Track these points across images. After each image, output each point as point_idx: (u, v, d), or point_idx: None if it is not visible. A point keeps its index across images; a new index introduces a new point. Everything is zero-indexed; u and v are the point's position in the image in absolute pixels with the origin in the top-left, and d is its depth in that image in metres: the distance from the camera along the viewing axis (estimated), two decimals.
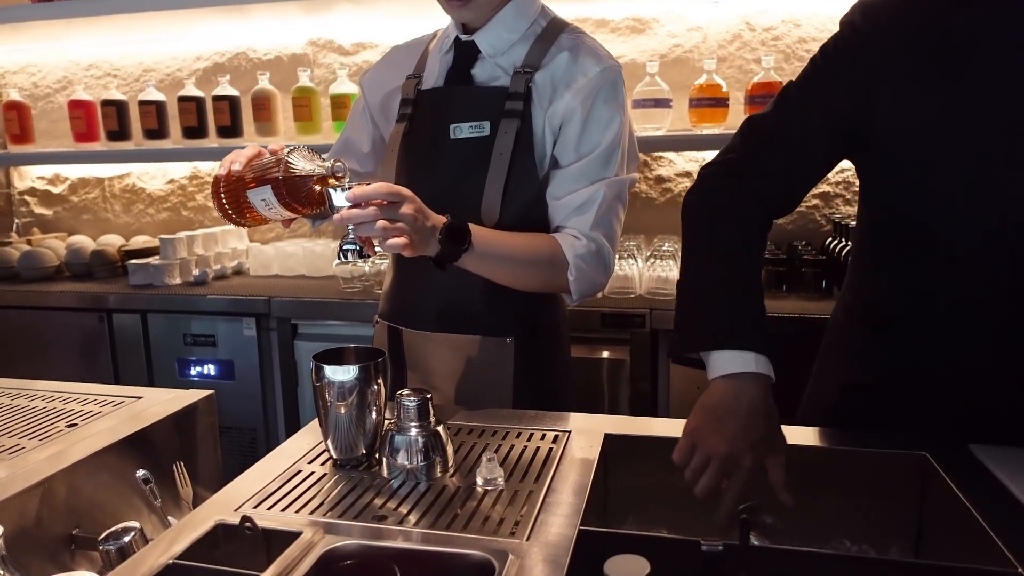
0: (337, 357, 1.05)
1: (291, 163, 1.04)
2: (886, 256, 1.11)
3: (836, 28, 1.09)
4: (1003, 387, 1.04)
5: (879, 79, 1.01)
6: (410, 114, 1.38)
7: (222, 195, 1.14)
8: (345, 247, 1.05)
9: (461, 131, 1.31)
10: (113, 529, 0.94)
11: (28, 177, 3.27)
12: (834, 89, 1.05)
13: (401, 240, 1.05)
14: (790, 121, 1.08)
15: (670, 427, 1.14)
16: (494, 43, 1.32)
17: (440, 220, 1.13)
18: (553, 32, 1.35)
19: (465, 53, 1.34)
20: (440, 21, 1.42)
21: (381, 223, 1.03)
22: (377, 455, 1.03)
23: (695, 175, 1.18)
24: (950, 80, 0.97)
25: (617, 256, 2.22)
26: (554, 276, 1.27)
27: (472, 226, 1.17)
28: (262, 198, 1.08)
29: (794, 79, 1.11)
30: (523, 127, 1.27)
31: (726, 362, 0.98)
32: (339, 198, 1.02)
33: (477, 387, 1.34)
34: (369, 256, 1.07)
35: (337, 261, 1.07)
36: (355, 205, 1.02)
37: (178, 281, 2.56)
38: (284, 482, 0.99)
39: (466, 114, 1.31)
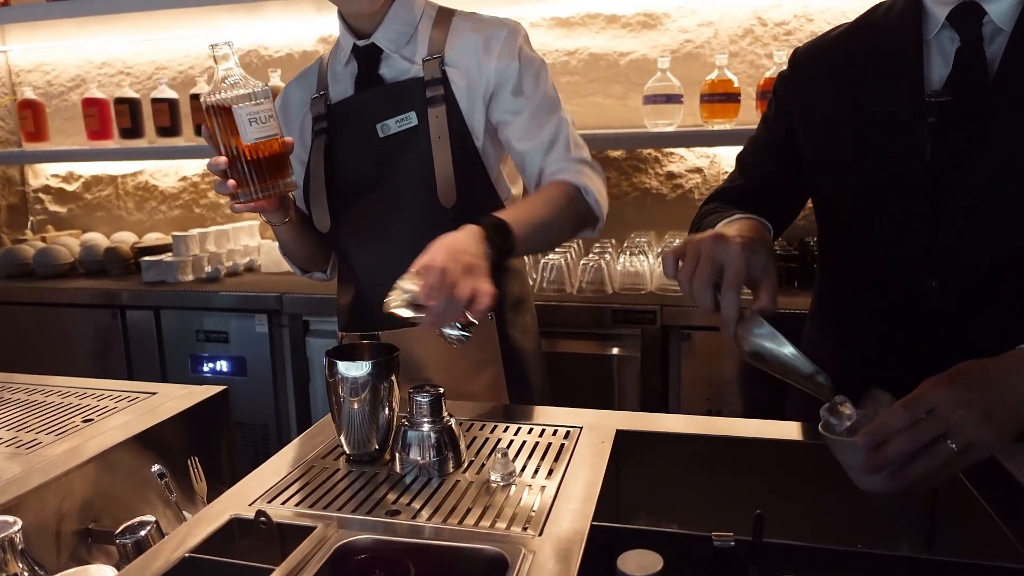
0: (350, 353, 1.06)
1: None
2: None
3: (847, 22, 1.21)
4: None
5: (795, 116, 1.21)
6: (327, 128, 1.41)
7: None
8: (451, 335, 1.03)
9: (388, 128, 1.34)
10: (130, 523, 0.95)
11: (42, 175, 3.30)
12: (774, 129, 1.26)
13: (467, 293, 1.00)
14: (750, 164, 1.30)
15: (681, 423, 1.15)
16: (392, 38, 1.36)
17: (466, 246, 1.07)
18: (445, 18, 1.40)
19: (367, 56, 1.38)
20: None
21: (439, 314, 1.00)
22: (390, 450, 1.04)
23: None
24: (848, 107, 1.13)
25: (628, 252, 2.23)
26: (578, 213, 1.32)
27: (495, 215, 1.17)
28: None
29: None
30: (450, 108, 1.32)
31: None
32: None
33: (468, 370, 1.36)
34: (474, 325, 1.04)
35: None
36: (418, 307, 1.00)
37: (191, 278, 2.58)
38: (298, 477, 1.00)
39: (389, 110, 1.34)
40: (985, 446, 0.78)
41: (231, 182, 1.17)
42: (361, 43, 1.37)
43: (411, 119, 1.33)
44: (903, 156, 1.06)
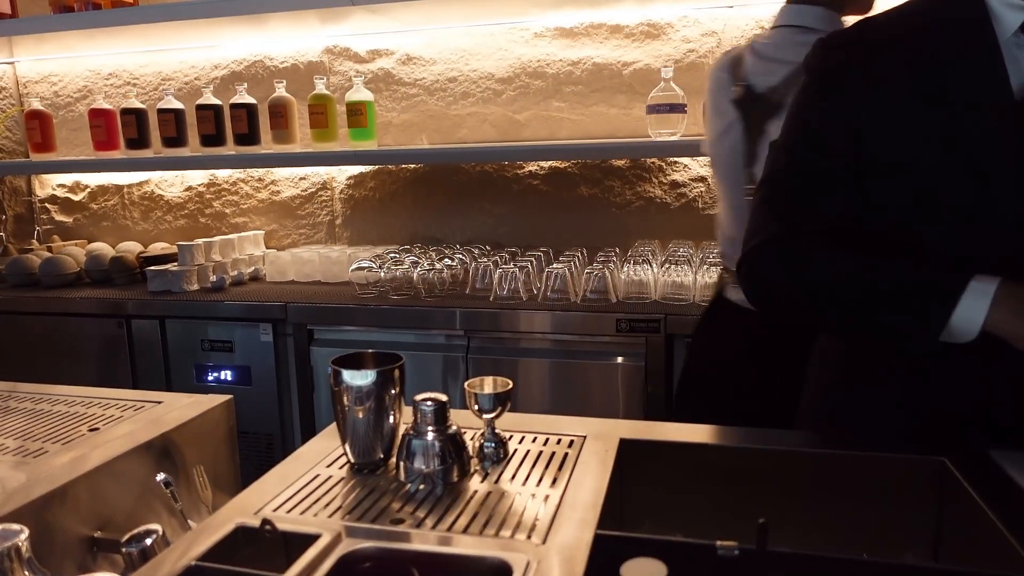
0: (355, 362, 1.06)
1: None
2: None
3: (886, 10, 1.12)
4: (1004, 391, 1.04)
5: (862, 112, 1.06)
6: None
7: None
8: None
9: None
10: (135, 532, 0.95)
11: (49, 185, 3.32)
12: (829, 132, 1.10)
13: None
14: (804, 176, 1.12)
15: (685, 432, 1.15)
16: None
17: None
18: None
19: None
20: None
21: None
22: (395, 459, 1.04)
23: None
24: (928, 104, 1.03)
25: (632, 261, 2.23)
26: None
27: None
28: None
29: (776, 140, 1.16)
30: None
31: (980, 291, 0.95)
32: None
33: None
34: None
35: None
36: None
37: (196, 287, 2.59)
38: (303, 486, 1.00)
39: None
40: None
41: None
42: None
43: None
44: (998, 165, 1.00)
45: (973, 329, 0.96)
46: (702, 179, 2.57)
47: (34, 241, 3.22)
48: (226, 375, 2.44)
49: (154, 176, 3.16)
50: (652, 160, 2.61)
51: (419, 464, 0.99)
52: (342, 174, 2.95)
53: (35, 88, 3.23)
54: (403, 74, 2.80)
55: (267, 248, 2.99)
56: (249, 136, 2.75)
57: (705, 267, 2.16)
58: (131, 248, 2.96)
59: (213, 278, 2.60)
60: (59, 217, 3.32)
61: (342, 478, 1.02)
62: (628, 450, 1.10)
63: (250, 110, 2.74)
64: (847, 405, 1.19)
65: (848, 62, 1.09)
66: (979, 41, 1.02)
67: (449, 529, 0.87)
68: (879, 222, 1.09)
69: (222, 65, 3.01)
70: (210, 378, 2.45)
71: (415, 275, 2.33)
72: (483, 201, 2.80)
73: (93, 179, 3.24)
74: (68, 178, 3.27)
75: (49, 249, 3.03)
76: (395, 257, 2.44)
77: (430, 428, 1.00)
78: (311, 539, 0.84)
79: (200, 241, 2.66)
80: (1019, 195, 1.00)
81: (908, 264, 1.04)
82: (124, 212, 3.23)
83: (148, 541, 0.93)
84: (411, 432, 1.01)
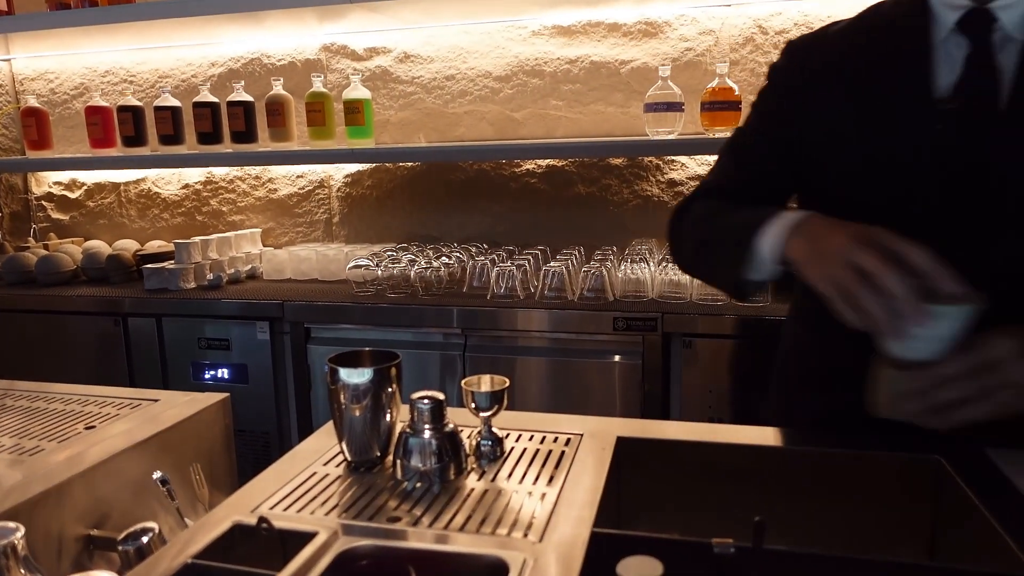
0: (352, 360, 1.06)
1: None
2: None
3: (847, 18, 1.19)
4: None
5: (801, 110, 1.15)
6: None
7: None
8: None
9: None
10: (132, 530, 0.95)
11: (45, 183, 3.31)
12: (768, 125, 1.21)
13: None
14: (735, 155, 1.25)
15: (682, 430, 1.15)
16: None
17: None
18: None
19: None
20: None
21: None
22: (391, 457, 1.04)
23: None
24: (859, 105, 1.09)
25: (630, 260, 2.23)
26: None
27: None
28: None
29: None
30: None
31: (782, 224, 1.00)
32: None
33: None
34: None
35: None
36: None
37: (192, 285, 2.59)
38: (300, 484, 1.00)
39: None
40: None
41: None
42: None
43: None
44: (910, 161, 1.05)
45: (775, 255, 1.00)
46: (699, 177, 2.57)
47: (30, 239, 3.21)
48: (223, 373, 2.43)
49: (151, 174, 3.15)
50: (649, 159, 2.61)
51: (416, 462, 0.99)
52: (339, 172, 2.95)
53: (31, 85, 3.23)
54: (400, 72, 2.79)
55: (264, 246, 2.99)
56: (246, 134, 2.74)
57: None
58: (128, 246, 2.96)
59: (210, 276, 2.60)
60: (55, 215, 3.31)
61: (339, 476, 1.02)
62: (625, 448, 1.10)
63: (247, 108, 2.73)
64: (817, 369, 1.20)
65: (801, 63, 1.17)
66: (916, 42, 1.05)
67: (446, 527, 0.88)
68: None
69: (219, 63, 3.00)
70: (207, 376, 2.45)
71: (412, 273, 2.33)
72: (480, 199, 2.80)
73: (90, 177, 3.23)
74: (64, 176, 3.26)
75: (45, 247, 3.03)
76: (392, 255, 2.44)
77: (427, 426, 1.00)
78: (308, 537, 0.84)
79: (197, 239, 2.66)
80: (934, 195, 1.03)
81: (752, 207, 1.09)
82: (121, 210, 3.22)
83: (144, 539, 0.93)
84: (408, 430, 1.01)
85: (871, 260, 0.85)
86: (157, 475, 1.10)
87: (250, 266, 2.77)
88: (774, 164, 1.20)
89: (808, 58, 1.17)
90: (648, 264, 2.21)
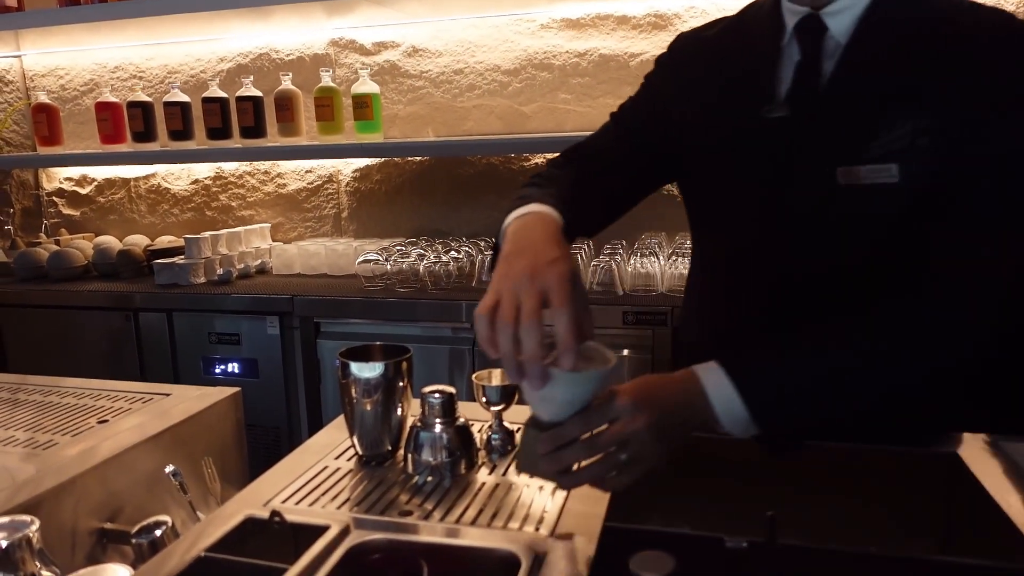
0: (363, 354, 1.06)
1: None
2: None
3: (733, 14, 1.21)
4: None
5: (670, 102, 1.19)
6: None
7: None
8: None
9: None
10: (145, 523, 0.95)
11: (56, 179, 3.33)
12: (642, 109, 1.26)
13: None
14: (608, 133, 1.30)
15: None
16: None
17: None
18: None
19: None
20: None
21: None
22: (402, 451, 1.04)
23: None
24: (709, 105, 1.12)
25: (639, 253, 2.22)
26: None
27: None
28: None
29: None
30: None
31: (526, 210, 0.95)
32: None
33: None
34: None
35: None
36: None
37: (202, 280, 2.60)
38: (311, 478, 1.00)
39: None
40: (650, 461, 0.82)
41: None
42: None
43: None
44: (745, 165, 1.07)
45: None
46: None
47: (42, 234, 3.23)
48: (233, 368, 2.44)
49: (160, 169, 3.16)
50: None
51: (427, 456, 0.99)
52: (348, 167, 2.95)
53: (42, 81, 3.24)
54: (409, 66, 2.79)
55: (273, 241, 2.99)
56: (255, 129, 2.75)
57: None
58: (138, 241, 2.97)
59: (220, 271, 2.61)
60: (66, 210, 3.33)
61: (350, 470, 1.02)
62: None
63: (256, 103, 2.74)
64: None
65: (678, 56, 1.22)
66: (767, 46, 1.06)
67: (457, 521, 0.88)
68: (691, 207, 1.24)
69: (228, 58, 3.00)
70: (217, 371, 2.46)
71: (421, 268, 2.33)
72: (489, 194, 2.79)
73: (100, 172, 3.25)
74: (75, 171, 3.28)
75: (57, 242, 3.04)
76: (401, 250, 2.44)
77: (438, 420, 1.00)
78: (320, 530, 0.84)
79: (207, 234, 2.67)
80: (754, 200, 1.05)
81: (548, 191, 1.05)
82: (131, 205, 3.24)
83: (158, 532, 0.94)
84: (419, 424, 1.01)
85: (528, 303, 0.77)
86: (169, 469, 1.10)
87: (260, 261, 2.78)
88: (645, 139, 1.22)
89: (686, 54, 1.21)
90: (658, 258, 2.21)
